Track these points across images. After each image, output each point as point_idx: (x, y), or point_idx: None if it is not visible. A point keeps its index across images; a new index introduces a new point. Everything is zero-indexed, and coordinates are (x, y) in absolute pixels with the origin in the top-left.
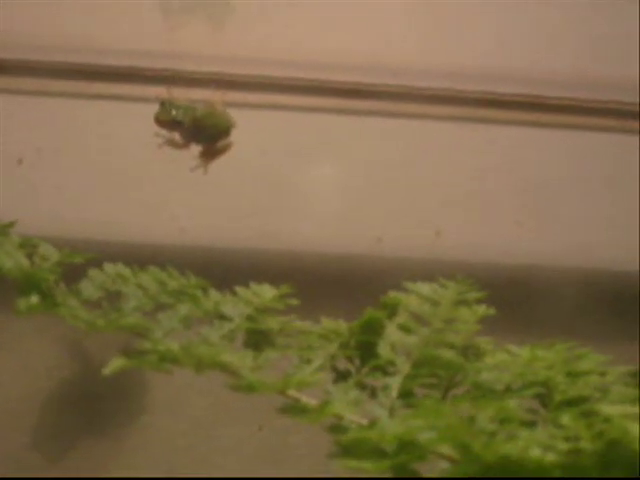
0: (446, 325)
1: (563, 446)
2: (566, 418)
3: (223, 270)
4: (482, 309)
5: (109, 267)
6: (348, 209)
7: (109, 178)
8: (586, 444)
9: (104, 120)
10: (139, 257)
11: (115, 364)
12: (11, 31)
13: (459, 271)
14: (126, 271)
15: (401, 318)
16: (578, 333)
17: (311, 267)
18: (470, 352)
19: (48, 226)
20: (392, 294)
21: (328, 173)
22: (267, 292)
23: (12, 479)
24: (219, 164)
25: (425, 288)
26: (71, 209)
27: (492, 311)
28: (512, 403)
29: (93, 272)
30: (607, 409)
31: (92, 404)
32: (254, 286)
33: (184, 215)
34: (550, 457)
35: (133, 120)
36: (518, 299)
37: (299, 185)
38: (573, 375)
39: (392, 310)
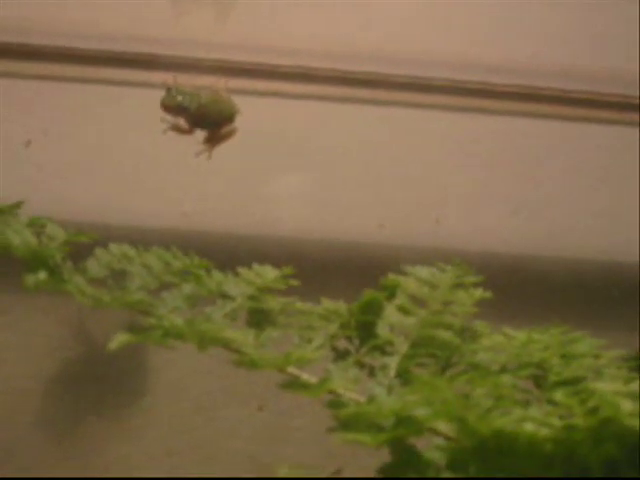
0: (444, 307)
1: (556, 422)
2: (560, 394)
3: (225, 255)
4: (479, 292)
5: (114, 247)
6: (350, 196)
7: (114, 162)
8: (579, 420)
9: (110, 105)
10: (142, 241)
11: (120, 339)
12: (19, 16)
13: (457, 257)
14: (131, 251)
15: (400, 300)
16: (573, 321)
17: (313, 253)
18: (467, 334)
19: (53, 208)
20: (391, 276)
21: (330, 160)
22: (269, 273)
23: (12, 479)
24: (223, 150)
25: (424, 271)
26: (76, 192)
27: (489, 294)
28: (507, 379)
29: (99, 251)
30: (600, 386)
31: (95, 385)
32: (256, 267)
33: (187, 200)
34: (543, 432)
35: (138, 105)
36: (514, 287)
37: (301, 172)
38: (568, 357)
39: (391, 292)
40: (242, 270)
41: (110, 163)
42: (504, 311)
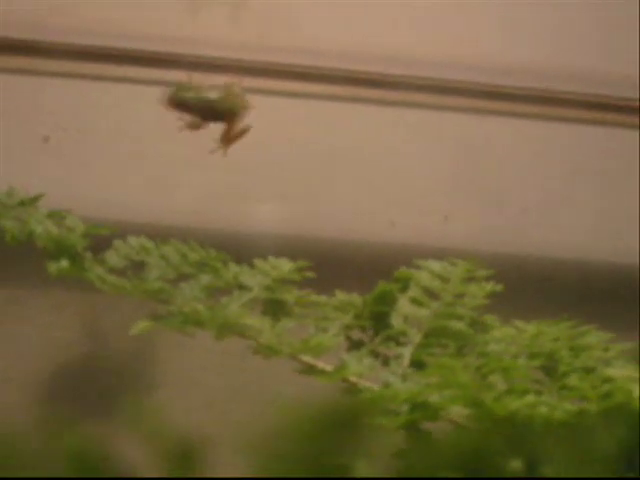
0: (455, 299)
1: (570, 407)
2: (574, 378)
3: (236, 253)
4: (490, 285)
5: (133, 239)
6: (362, 195)
7: (127, 159)
8: (591, 405)
9: (125, 102)
10: (156, 238)
11: (142, 325)
12: (39, 14)
13: (466, 255)
14: (149, 243)
15: (413, 292)
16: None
17: (323, 251)
18: (478, 327)
19: (70, 204)
20: (404, 269)
21: (342, 159)
22: (284, 265)
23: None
24: (237, 148)
25: (436, 265)
26: (93, 188)
27: (500, 287)
28: (520, 363)
29: (117, 243)
30: (611, 371)
31: (107, 379)
32: (272, 259)
33: (200, 197)
34: (558, 414)
35: (154, 103)
36: (521, 286)
37: (314, 170)
38: (577, 349)
39: (404, 284)
40: (258, 262)
41: (123, 160)
42: (509, 310)
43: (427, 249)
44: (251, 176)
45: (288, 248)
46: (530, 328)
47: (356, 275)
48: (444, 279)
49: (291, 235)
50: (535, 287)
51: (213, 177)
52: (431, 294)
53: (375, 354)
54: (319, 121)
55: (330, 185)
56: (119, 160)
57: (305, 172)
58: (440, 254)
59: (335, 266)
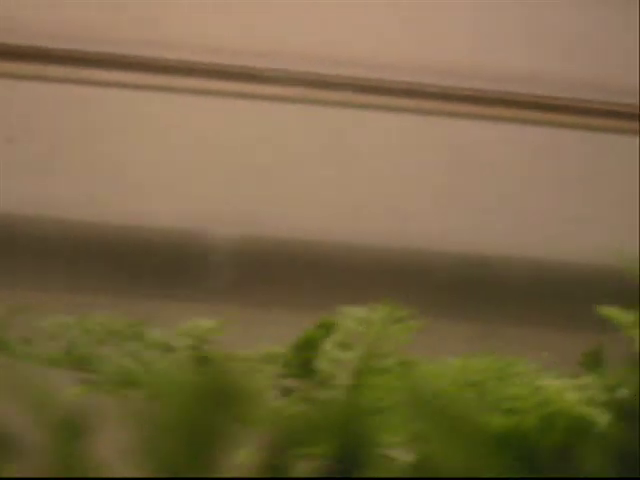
0: (381, 339)
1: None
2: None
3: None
4: (416, 324)
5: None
6: (324, 195)
7: (92, 161)
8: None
9: (91, 105)
10: (120, 238)
11: (72, 392)
12: (8, 16)
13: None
14: (69, 319)
15: (338, 336)
16: (532, 321)
17: (284, 253)
18: (405, 364)
19: (33, 203)
20: (327, 316)
21: (304, 160)
22: (205, 324)
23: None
24: (200, 151)
25: (359, 311)
26: (56, 188)
27: (421, 324)
28: None
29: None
30: (547, 382)
31: None
32: (193, 320)
33: (167, 198)
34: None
35: (118, 106)
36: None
37: (277, 170)
38: (506, 379)
39: (328, 329)
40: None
41: (92, 162)
42: (466, 307)
43: (386, 249)
44: (221, 178)
45: (250, 247)
46: (457, 362)
47: (314, 277)
48: (368, 323)
49: (253, 235)
50: (492, 287)
51: (177, 178)
52: (356, 337)
53: (309, 399)
54: (284, 124)
55: (291, 185)
56: (83, 161)
57: (268, 173)
58: (399, 255)
59: (297, 265)
